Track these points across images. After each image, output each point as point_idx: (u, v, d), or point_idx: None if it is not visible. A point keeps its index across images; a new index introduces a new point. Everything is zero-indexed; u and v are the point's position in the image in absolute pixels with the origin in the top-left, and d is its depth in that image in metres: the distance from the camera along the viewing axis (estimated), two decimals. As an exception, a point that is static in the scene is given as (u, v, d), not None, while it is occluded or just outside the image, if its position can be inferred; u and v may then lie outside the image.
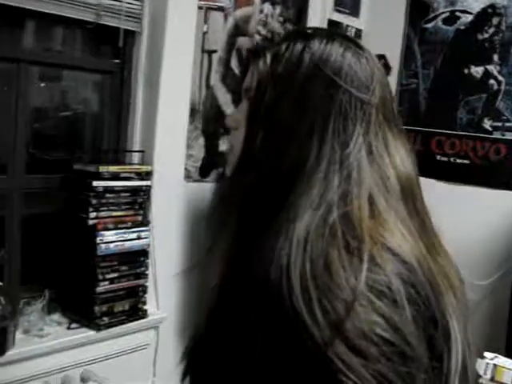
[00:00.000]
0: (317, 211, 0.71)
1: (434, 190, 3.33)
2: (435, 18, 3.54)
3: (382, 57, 3.70)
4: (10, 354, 2.12)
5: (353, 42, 0.85)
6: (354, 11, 3.66)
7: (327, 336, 0.63)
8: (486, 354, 2.17)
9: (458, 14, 3.46)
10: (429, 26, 3.56)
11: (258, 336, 0.67)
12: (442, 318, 0.72)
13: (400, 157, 0.80)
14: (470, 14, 3.41)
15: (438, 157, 3.47)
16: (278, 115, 0.80)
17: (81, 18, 2.39)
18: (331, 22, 3.49)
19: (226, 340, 0.73)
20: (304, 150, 0.76)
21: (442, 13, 3.51)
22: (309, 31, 0.86)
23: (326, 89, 0.78)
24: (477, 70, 3.38)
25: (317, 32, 0.85)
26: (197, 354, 0.81)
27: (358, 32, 3.70)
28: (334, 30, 0.87)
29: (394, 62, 3.67)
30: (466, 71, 3.41)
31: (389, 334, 0.64)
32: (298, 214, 0.72)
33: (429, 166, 3.46)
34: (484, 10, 3.36)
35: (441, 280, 0.75)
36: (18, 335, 2.21)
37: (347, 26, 3.61)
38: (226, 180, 0.87)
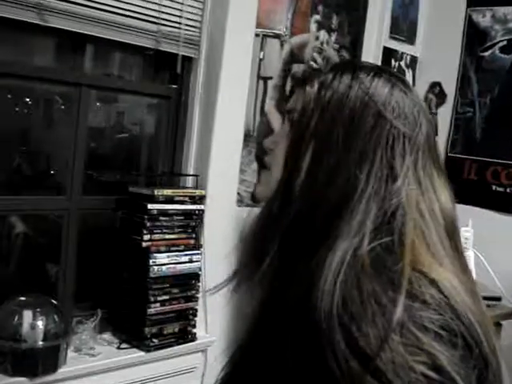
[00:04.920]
0: (354, 239, 0.72)
1: (489, 221, 3.29)
2: (492, 46, 3.49)
3: (437, 84, 3.67)
4: (62, 371, 2.15)
5: (400, 79, 0.85)
6: (410, 38, 3.64)
7: (357, 368, 0.62)
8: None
9: (515, 42, 3.41)
10: (486, 54, 3.51)
11: (290, 358, 0.68)
12: (493, 358, 0.70)
13: (444, 195, 0.80)
14: (528, 42, 3.36)
15: (494, 187, 3.39)
16: (326, 143, 0.81)
17: (140, 44, 2.45)
18: (387, 50, 3.49)
19: (263, 359, 0.75)
20: (352, 180, 0.77)
21: (500, 41, 3.46)
22: (356, 63, 0.88)
23: (375, 120, 0.79)
24: (535, 99, 3.32)
25: (364, 66, 0.86)
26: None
27: (414, 59, 3.68)
28: (381, 66, 0.87)
29: (450, 89, 3.63)
30: (523, 100, 3.35)
31: (434, 373, 0.62)
32: (337, 242, 0.73)
33: (484, 197, 3.39)
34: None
35: (488, 321, 0.74)
36: (70, 353, 2.25)
37: (403, 53, 3.60)
38: (266, 206, 0.87)
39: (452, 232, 0.79)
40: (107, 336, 2.47)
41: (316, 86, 0.84)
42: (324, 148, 0.81)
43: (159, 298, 2.42)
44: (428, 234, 0.75)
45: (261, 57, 2.79)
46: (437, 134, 3.66)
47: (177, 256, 2.47)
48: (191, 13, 2.57)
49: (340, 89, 0.82)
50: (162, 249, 2.42)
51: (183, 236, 2.51)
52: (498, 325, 2.74)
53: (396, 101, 0.81)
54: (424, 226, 0.75)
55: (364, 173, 0.77)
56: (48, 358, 2.09)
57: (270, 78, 2.85)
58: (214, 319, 2.73)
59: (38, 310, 2.09)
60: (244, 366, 0.83)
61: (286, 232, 0.81)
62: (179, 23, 2.53)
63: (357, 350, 0.63)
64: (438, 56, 3.64)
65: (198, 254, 2.55)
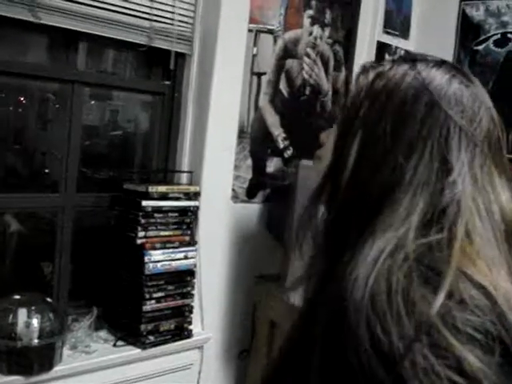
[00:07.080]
0: (397, 233, 0.68)
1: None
2: (486, 39, 3.49)
3: (431, 79, 3.66)
4: (57, 369, 2.14)
5: (461, 71, 0.81)
6: (404, 33, 3.64)
7: (380, 371, 0.58)
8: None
9: (509, 35, 3.40)
10: (480, 47, 3.51)
11: (317, 354, 0.65)
12: None
13: (505, 196, 0.74)
14: (523, 35, 3.36)
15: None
16: (374, 133, 0.77)
17: (133, 40, 2.44)
18: (380, 44, 3.48)
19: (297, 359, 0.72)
20: (398, 172, 0.73)
21: (494, 35, 3.46)
22: (417, 56, 0.82)
23: (428, 110, 0.75)
24: (529, 93, 3.31)
25: (424, 57, 0.82)
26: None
27: (408, 54, 3.67)
28: (444, 60, 0.83)
29: (444, 84, 3.62)
30: (518, 94, 3.34)
31: (461, 379, 0.57)
32: (374, 237, 0.68)
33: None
34: (537, 31, 3.31)
35: None
36: (66, 351, 2.24)
37: (396, 47, 3.59)
38: (313, 195, 0.83)
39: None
40: (103, 333, 2.46)
41: (371, 76, 0.81)
42: (371, 137, 0.77)
43: (155, 295, 2.41)
44: (483, 235, 0.69)
45: (254, 52, 2.78)
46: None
47: (172, 253, 2.46)
48: (184, 9, 2.56)
49: (394, 78, 0.78)
50: (157, 246, 2.42)
51: (178, 233, 2.50)
52: None
53: (454, 92, 0.76)
54: (479, 226, 0.70)
55: (411, 164, 0.72)
56: (43, 356, 2.09)
57: (264, 73, 2.85)
58: (210, 316, 2.73)
59: (33, 308, 2.09)
60: (283, 367, 0.79)
61: (332, 224, 0.79)
62: (172, 19, 2.52)
63: (379, 351, 0.59)
64: (431, 50, 3.55)
65: (193, 250, 2.54)
